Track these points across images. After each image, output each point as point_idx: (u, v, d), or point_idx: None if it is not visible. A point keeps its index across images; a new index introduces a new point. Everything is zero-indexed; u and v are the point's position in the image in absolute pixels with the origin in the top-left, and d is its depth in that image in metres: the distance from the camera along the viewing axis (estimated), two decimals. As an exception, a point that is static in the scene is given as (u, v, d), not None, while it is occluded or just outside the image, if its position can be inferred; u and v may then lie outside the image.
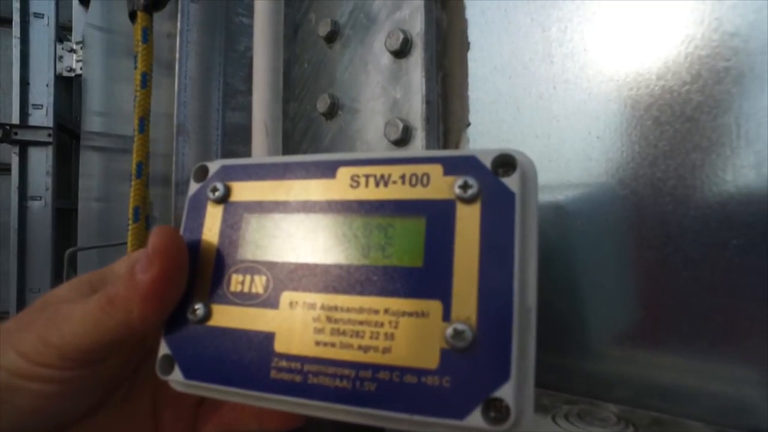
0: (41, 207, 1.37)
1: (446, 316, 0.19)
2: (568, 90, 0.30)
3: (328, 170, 0.24)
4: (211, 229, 0.25)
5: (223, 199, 0.25)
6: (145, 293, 0.22)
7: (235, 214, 0.25)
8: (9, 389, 0.23)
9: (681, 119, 0.26)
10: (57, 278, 1.37)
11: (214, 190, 0.25)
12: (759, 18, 0.23)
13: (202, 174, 0.26)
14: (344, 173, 0.23)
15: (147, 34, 0.41)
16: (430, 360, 0.19)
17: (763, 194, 0.23)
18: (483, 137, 0.33)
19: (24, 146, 1.36)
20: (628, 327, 0.27)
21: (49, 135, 1.36)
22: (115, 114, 0.96)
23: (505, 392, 0.18)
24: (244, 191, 0.25)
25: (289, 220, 0.24)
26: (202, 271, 0.24)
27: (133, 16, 0.42)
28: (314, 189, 0.24)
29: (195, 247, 0.25)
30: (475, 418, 0.18)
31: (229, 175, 0.26)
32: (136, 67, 0.41)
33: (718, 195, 0.24)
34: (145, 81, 0.41)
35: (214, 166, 0.26)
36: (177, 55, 0.42)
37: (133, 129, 0.41)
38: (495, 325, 0.19)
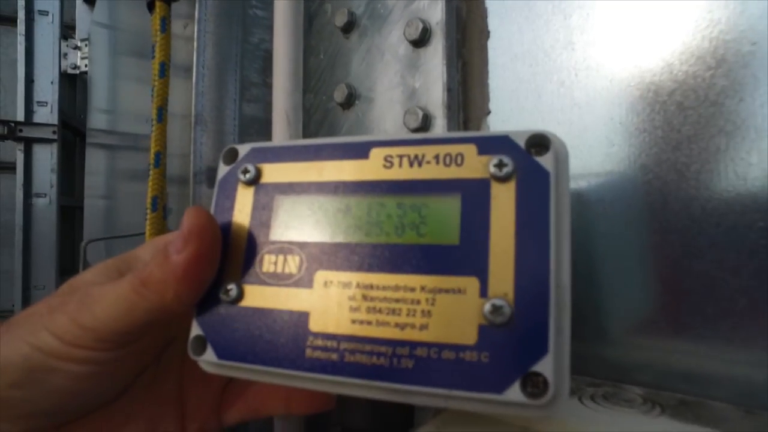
0: (46, 204, 1.37)
1: (483, 293, 0.20)
2: (590, 77, 0.30)
3: (360, 151, 0.24)
4: (242, 211, 0.25)
5: (254, 181, 0.25)
6: (180, 274, 0.22)
7: (266, 195, 0.25)
8: (45, 370, 0.23)
9: (705, 104, 0.26)
10: (62, 275, 1.37)
11: (245, 171, 0.25)
12: (786, 1, 0.24)
13: (231, 156, 0.27)
14: (377, 154, 0.23)
15: (165, 24, 0.41)
16: (468, 336, 0.20)
17: (789, 177, 0.24)
18: (504, 125, 0.33)
19: (29, 143, 1.36)
20: (652, 311, 0.27)
21: (54, 132, 1.36)
22: (121, 111, 0.96)
23: (544, 366, 0.18)
24: (275, 173, 0.25)
25: (322, 200, 0.24)
26: (234, 252, 0.25)
27: (151, 7, 0.43)
28: (347, 170, 0.24)
29: (226, 229, 0.25)
30: (514, 392, 0.19)
31: (259, 157, 0.26)
32: (154, 57, 0.41)
33: (743, 178, 0.25)
34: (163, 70, 0.41)
35: (243, 149, 0.26)
36: (195, 44, 0.42)
37: (152, 119, 0.41)
38: (532, 301, 0.19)
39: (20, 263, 1.33)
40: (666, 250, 0.27)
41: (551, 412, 0.19)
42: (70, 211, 1.46)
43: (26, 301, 1.34)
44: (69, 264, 1.44)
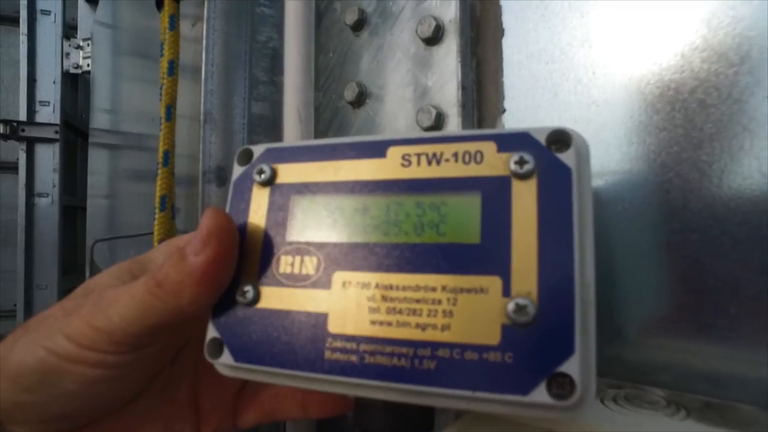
0: (48, 204, 1.36)
1: (506, 292, 0.19)
2: (608, 74, 0.29)
3: (377, 150, 0.23)
4: (258, 212, 0.25)
5: (270, 182, 0.25)
6: (199, 276, 0.22)
7: (282, 195, 0.25)
8: (59, 373, 0.23)
9: (728, 101, 0.25)
10: (64, 275, 1.36)
11: (261, 172, 0.25)
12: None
13: (246, 157, 0.26)
14: (395, 153, 0.23)
15: (174, 22, 0.40)
16: (492, 336, 0.19)
17: (815, 174, 0.23)
18: (519, 123, 0.33)
19: (31, 143, 1.36)
20: (673, 311, 0.27)
21: (56, 132, 1.36)
22: (123, 111, 0.96)
23: (570, 367, 0.18)
24: (290, 173, 0.25)
25: (339, 200, 0.23)
26: (250, 254, 0.24)
27: (159, 5, 0.42)
28: (364, 169, 0.23)
29: (242, 230, 0.25)
30: (540, 393, 0.18)
31: (274, 157, 0.26)
32: (162, 55, 0.41)
33: (768, 176, 0.24)
34: (172, 69, 0.41)
35: (258, 149, 0.26)
36: (204, 43, 0.42)
37: (160, 117, 0.41)
38: (557, 300, 0.19)
39: (22, 263, 1.33)
40: (687, 249, 0.26)
41: (577, 414, 0.18)
42: (73, 211, 1.46)
43: (29, 301, 1.33)
44: (71, 264, 1.44)
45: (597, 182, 0.29)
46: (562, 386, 0.18)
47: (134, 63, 0.94)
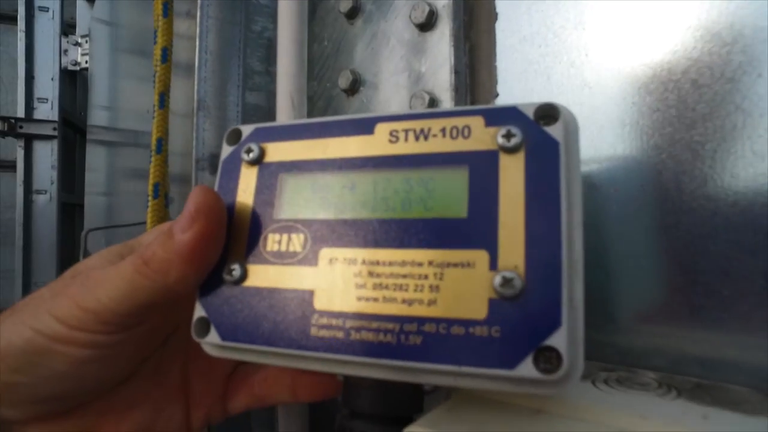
0: (46, 201, 1.36)
1: (493, 265, 0.19)
2: (601, 56, 0.29)
3: (365, 127, 0.23)
4: (246, 190, 0.25)
5: (258, 160, 0.25)
6: (186, 253, 0.22)
7: (270, 174, 0.24)
8: (47, 353, 0.22)
9: (721, 81, 0.25)
10: (62, 272, 1.36)
11: (249, 151, 0.25)
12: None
13: (235, 137, 0.26)
14: (383, 129, 0.23)
15: (167, 8, 0.40)
16: (478, 310, 0.19)
17: (808, 154, 0.23)
18: (512, 107, 0.33)
19: (29, 140, 1.35)
20: (666, 294, 0.27)
21: (54, 129, 1.36)
22: (121, 108, 0.95)
23: (557, 340, 0.18)
24: (279, 151, 0.25)
25: (326, 177, 0.23)
26: (238, 232, 0.24)
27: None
28: (351, 146, 0.23)
29: (230, 209, 0.24)
30: (527, 367, 0.18)
31: (263, 136, 0.25)
32: (155, 42, 0.41)
33: (761, 156, 0.24)
34: (165, 55, 0.40)
35: (247, 129, 0.26)
36: (197, 29, 0.41)
37: (153, 105, 0.41)
38: (544, 273, 0.18)
39: (21, 260, 1.33)
40: (680, 231, 0.26)
41: (565, 389, 0.18)
42: (71, 208, 1.45)
43: (26, 299, 1.33)
44: (69, 261, 1.43)
45: (590, 165, 0.29)
46: (549, 360, 0.18)
47: (132, 60, 0.94)
